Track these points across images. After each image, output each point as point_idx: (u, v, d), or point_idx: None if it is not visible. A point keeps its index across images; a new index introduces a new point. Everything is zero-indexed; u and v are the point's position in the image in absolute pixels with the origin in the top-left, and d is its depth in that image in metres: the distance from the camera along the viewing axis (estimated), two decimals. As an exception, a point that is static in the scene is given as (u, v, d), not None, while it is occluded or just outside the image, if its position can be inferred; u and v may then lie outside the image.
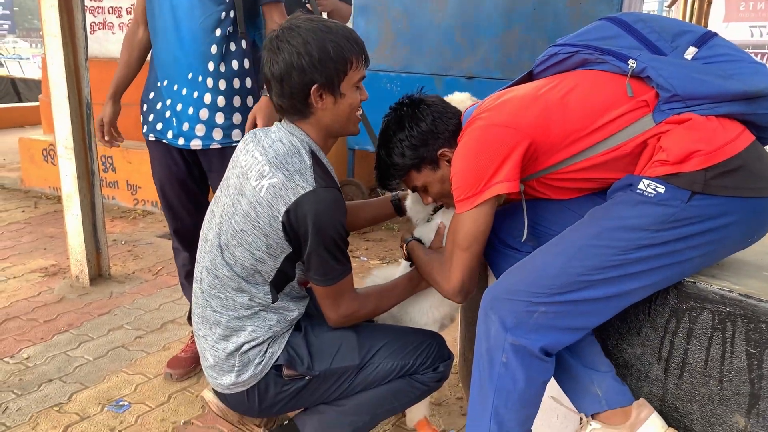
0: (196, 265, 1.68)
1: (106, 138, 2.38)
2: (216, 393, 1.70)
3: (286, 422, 1.78)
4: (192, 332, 2.41)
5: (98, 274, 3.39)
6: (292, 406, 1.69)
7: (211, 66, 2.16)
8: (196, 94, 2.18)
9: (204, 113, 2.19)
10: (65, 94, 3.11)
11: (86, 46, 3.17)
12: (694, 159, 1.32)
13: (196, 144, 2.22)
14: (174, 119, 2.21)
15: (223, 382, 1.63)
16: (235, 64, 2.19)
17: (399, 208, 1.97)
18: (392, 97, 5.19)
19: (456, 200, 1.51)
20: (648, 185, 1.35)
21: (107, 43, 5.41)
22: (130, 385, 2.37)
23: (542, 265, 1.41)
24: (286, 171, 1.51)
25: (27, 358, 2.55)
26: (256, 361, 1.60)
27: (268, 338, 1.60)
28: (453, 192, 1.51)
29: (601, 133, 1.43)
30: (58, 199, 4.90)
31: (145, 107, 2.31)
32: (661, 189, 1.34)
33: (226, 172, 1.67)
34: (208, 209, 1.69)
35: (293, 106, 1.55)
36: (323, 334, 1.67)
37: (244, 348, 1.59)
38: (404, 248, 1.83)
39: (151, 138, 2.29)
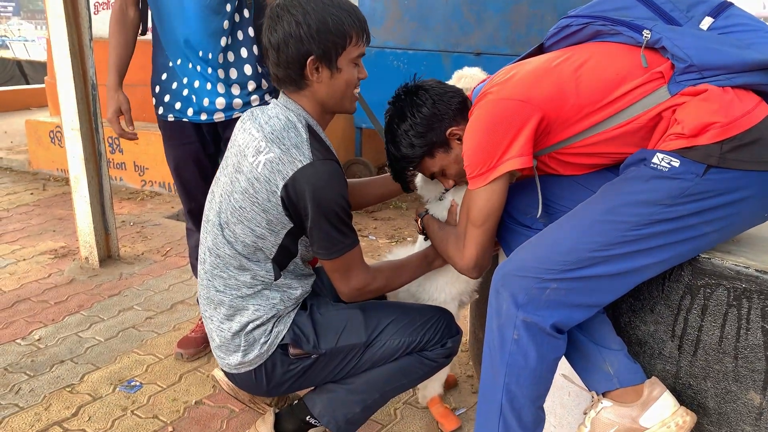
0: (200, 246, 1.68)
1: (130, 128, 2.37)
2: (225, 373, 1.71)
3: (296, 401, 1.78)
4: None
5: (107, 255, 3.39)
6: (300, 385, 1.69)
7: (223, 41, 2.17)
8: (210, 70, 2.19)
9: (221, 87, 2.21)
10: (70, 75, 3.09)
11: (90, 27, 3.15)
12: (710, 131, 1.29)
13: (219, 117, 2.25)
14: (193, 96, 2.23)
15: (230, 362, 1.63)
16: (240, 35, 2.21)
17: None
18: (399, 74, 5.17)
19: (468, 177, 1.49)
20: (662, 159, 1.32)
21: (111, 24, 5.37)
22: (142, 366, 2.38)
23: (553, 242, 1.39)
24: (283, 145, 1.49)
25: (38, 340, 2.56)
26: (262, 340, 1.60)
27: (272, 317, 1.60)
28: (465, 169, 1.49)
29: (615, 106, 1.40)
30: (66, 181, 4.91)
31: (158, 89, 2.30)
32: (676, 163, 1.31)
33: (226, 151, 1.66)
34: (210, 190, 1.68)
35: (288, 76, 1.54)
36: (329, 313, 1.67)
37: (249, 327, 1.59)
38: (419, 222, 1.81)
39: (171, 118, 2.29)
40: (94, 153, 3.27)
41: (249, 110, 1.65)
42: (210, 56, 2.17)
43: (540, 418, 1.45)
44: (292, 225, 1.54)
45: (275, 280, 1.60)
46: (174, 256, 3.51)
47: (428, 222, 1.77)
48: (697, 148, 1.30)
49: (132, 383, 2.27)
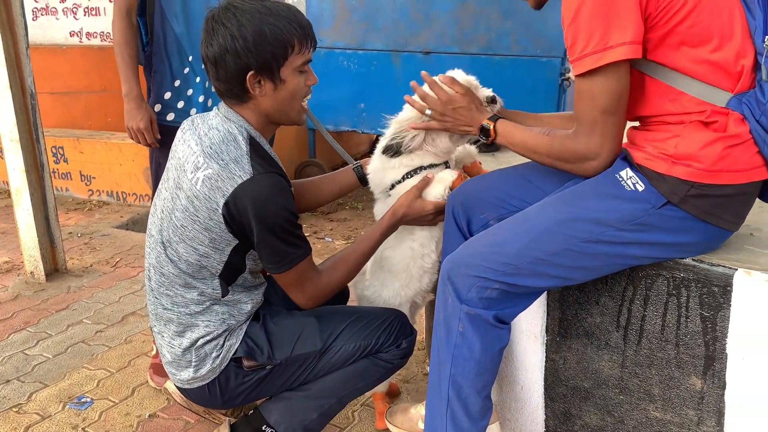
0: (145, 261, 1.64)
1: (158, 136, 2.24)
2: (178, 387, 1.68)
3: (251, 411, 1.76)
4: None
5: (54, 269, 3.29)
6: (256, 396, 1.68)
7: None
8: None
9: None
10: (7, 84, 2.98)
11: (26, 34, 3.04)
12: (689, 168, 1.27)
13: None
14: (210, 99, 2.22)
15: (182, 378, 1.61)
16: None
17: (363, 177, 1.87)
18: (350, 75, 5.13)
19: (574, 57, 1.28)
20: (630, 177, 1.32)
21: (51, 30, 5.20)
22: (92, 381, 2.32)
23: (503, 242, 1.41)
24: (221, 160, 1.45)
25: (-18, 360, 2.47)
26: (214, 354, 1.57)
27: (223, 331, 1.57)
28: (573, 44, 1.28)
29: (686, 62, 1.27)
30: (8, 194, 4.74)
31: (168, 95, 2.23)
32: (641, 187, 1.31)
33: (167, 162, 1.62)
34: (152, 202, 1.64)
35: (230, 91, 1.49)
36: (283, 322, 1.65)
37: (200, 343, 1.56)
38: (492, 129, 1.52)
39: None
40: (36, 164, 3.16)
41: (189, 118, 1.61)
42: None
43: (487, 407, 1.48)
44: (237, 242, 1.51)
45: (223, 296, 1.57)
46: (124, 267, 3.42)
47: (502, 126, 1.51)
48: (666, 180, 1.29)
49: (82, 399, 2.21)
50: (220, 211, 1.44)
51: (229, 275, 1.56)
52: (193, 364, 1.57)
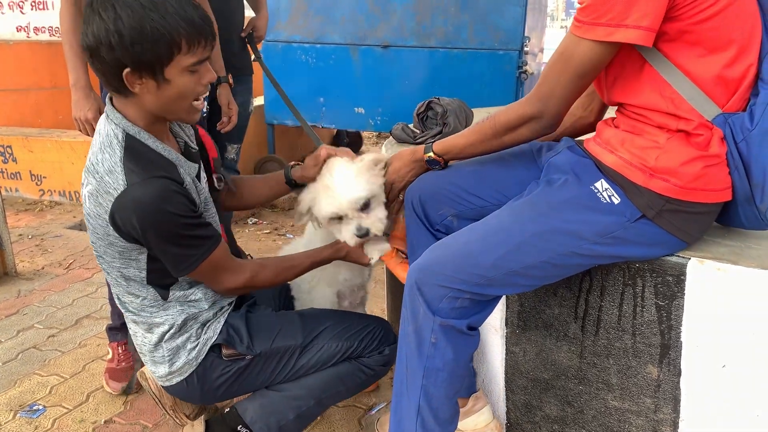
0: None
1: None
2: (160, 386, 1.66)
3: (227, 409, 1.72)
4: (114, 339, 2.28)
5: (3, 272, 3.18)
6: (236, 391, 1.64)
7: None
8: None
9: None
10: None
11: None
12: (667, 182, 1.26)
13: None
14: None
15: (160, 374, 1.58)
16: None
17: (291, 180, 1.76)
18: (308, 69, 5.07)
19: (584, 19, 1.22)
20: (605, 189, 1.31)
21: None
22: (45, 388, 2.24)
23: (476, 253, 1.36)
24: (97, 174, 1.36)
25: (-73, 369, 2.37)
26: (189, 347, 1.54)
27: (184, 321, 1.53)
28: (589, 6, 1.21)
29: (694, 59, 1.23)
30: (-45, 195, 4.56)
31: None
32: (616, 200, 1.30)
33: None
34: None
35: (109, 83, 1.37)
36: (264, 315, 1.63)
37: (167, 336, 1.53)
38: (435, 155, 1.56)
39: None
40: (-19, 164, 3.04)
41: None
42: None
43: (455, 411, 1.48)
44: (147, 249, 1.43)
45: (165, 299, 1.51)
46: (77, 269, 3.32)
47: (440, 146, 1.53)
48: (642, 192, 1.28)
49: (34, 407, 2.13)
50: (110, 226, 1.37)
51: (159, 279, 1.49)
52: (167, 358, 1.54)
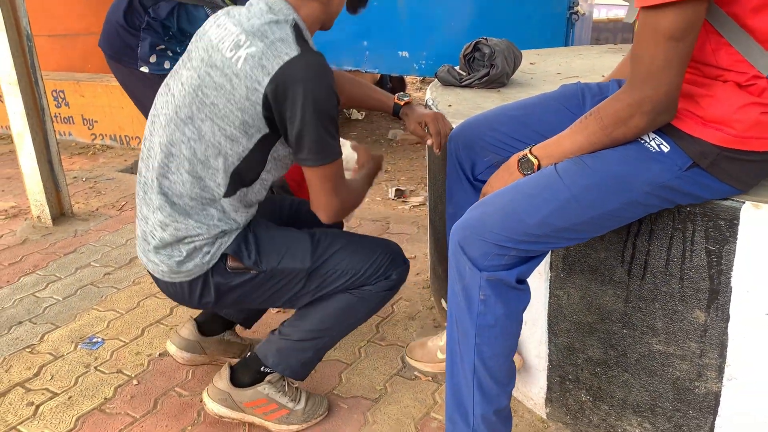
0: (144, 142, 1.55)
1: None
2: (155, 279, 1.62)
3: (248, 354, 1.78)
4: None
5: (60, 213, 3.30)
6: (233, 302, 1.64)
7: None
8: None
9: None
10: (2, 26, 2.92)
11: (18, -28, 2.96)
12: (721, 132, 1.21)
13: None
14: None
15: (163, 269, 1.54)
16: None
17: (397, 110, 1.80)
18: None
19: None
20: (653, 138, 1.26)
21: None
22: (102, 322, 2.36)
23: (520, 210, 1.32)
24: (266, 39, 1.37)
25: (-6, 302, 2.51)
26: (204, 250, 1.52)
27: (213, 236, 1.52)
28: None
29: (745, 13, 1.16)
30: (11, 139, 4.73)
31: (162, 46, 2.20)
32: (666, 148, 1.25)
33: (188, 47, 1.52)
34: (164, 82, 1.55)
35: None
36: (275, 233, 1.61)
37: (186, 240, 1.51)
38: (530, 155, 1.40)
39: (167, 65, 2.20)
40: (36, 108, 3.13)
41: (224, 8, 1.51)
42: None
43: (512, 371, 1.46)
44: (268, 130, 1.42)
45: (225, 196, 1.49)
46: (129, 210, 3.43)
47: (541, 150, 1.39)
48: (696, 141, 1.23)
49: (93, 340, 2.25)
50: (262, 91, 1.36)
51: (246, 171, 1.48)
52: (184, 257, 1.52)
